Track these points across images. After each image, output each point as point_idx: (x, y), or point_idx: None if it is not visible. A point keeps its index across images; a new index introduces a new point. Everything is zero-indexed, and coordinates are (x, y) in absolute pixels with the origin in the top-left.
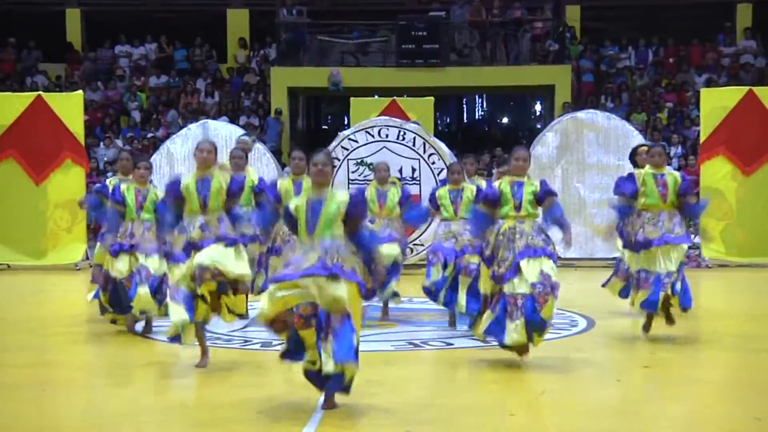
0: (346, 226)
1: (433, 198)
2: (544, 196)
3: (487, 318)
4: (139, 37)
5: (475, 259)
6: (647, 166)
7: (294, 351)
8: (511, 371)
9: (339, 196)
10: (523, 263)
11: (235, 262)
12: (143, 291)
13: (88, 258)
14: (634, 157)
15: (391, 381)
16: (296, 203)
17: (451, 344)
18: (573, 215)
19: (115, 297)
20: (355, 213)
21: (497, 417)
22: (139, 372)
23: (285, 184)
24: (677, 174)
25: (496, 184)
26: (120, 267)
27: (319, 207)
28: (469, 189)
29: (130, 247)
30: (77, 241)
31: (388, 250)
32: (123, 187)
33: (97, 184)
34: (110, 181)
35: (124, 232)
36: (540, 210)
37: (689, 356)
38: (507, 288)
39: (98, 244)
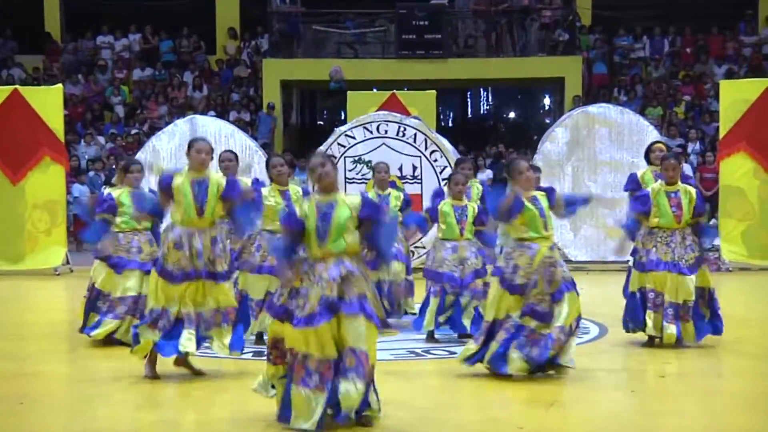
0: (360, 231)
1: (434, 211)
2: (552, 200)
3: (492, 348)
4: (123, 27)
5: (480, 281)
6: (659, 182)
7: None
8: (518, 382)
9: (350, 199)
10: (562, 299)
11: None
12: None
13: (68, 262)
14: (648, 154)
15: (392, 393)
16: (304, 208)
17: (454, 353)
18: (584, 216)
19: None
20: (369, 216)
21: (505, 431)
22: (123, 384)
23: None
24: (692, 190)
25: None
26: (130, 284)
27: (330, 213)
28: (472, 207)
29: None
30: (57, 245)
31: (397, 267)
32: (116, 193)
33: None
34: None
35: (126, 244)
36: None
37: (709, 365)
38: (531, 323)
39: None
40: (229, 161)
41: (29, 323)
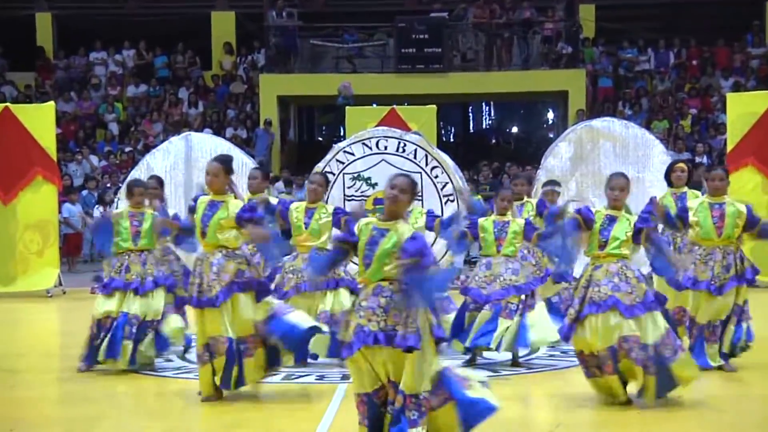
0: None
1: (474, 227)
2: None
3: None
4: (116, 43)
5: (515, 300)
6: (705, 195)
7: None
8: (521, 401)
9: (401, 229)
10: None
11: None
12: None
13: (61, 284)
14: (669, 175)
15: None
16: (360, 228)
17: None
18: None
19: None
20: (410, 254)
21: None
22: (118, 410)
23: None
24: (741, 206)
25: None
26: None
27: (380, 240)
28: (516, 223)
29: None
30: (49, 266)
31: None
32: (114, 216)
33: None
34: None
35: (119, 265)
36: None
37: (733, 390)
38: None
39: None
40: (254, 179)
41: (21, 347)
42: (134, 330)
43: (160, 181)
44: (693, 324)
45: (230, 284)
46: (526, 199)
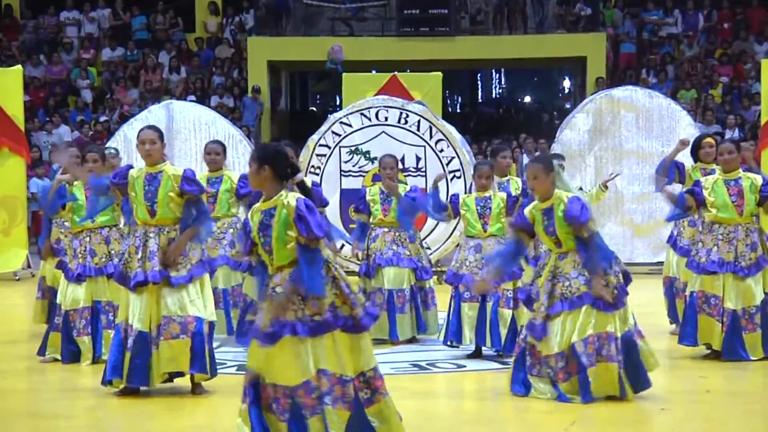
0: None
1: (455, 203)
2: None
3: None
4: (90, 1)
5: (509, 287)
6: (717, 171)
7: None
8: (534, 399)
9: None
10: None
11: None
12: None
13: (29, 266)
14: (697, 151)
15: None
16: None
17: (463, 366)
18: (608, 213)
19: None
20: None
21: None
22: (91, 399)
23: None
24: (755, 176)
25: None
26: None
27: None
28: (499, 197)
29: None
30: (17, 246)
31: (395, 275)
32: (68, 186)
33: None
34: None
35: (82, 249)
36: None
37: (752, 381)
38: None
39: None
40: (216, 154)
41: None
42: (112, 318)
43: (222, 147)
44: (724, 312)
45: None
46: (509, 176)
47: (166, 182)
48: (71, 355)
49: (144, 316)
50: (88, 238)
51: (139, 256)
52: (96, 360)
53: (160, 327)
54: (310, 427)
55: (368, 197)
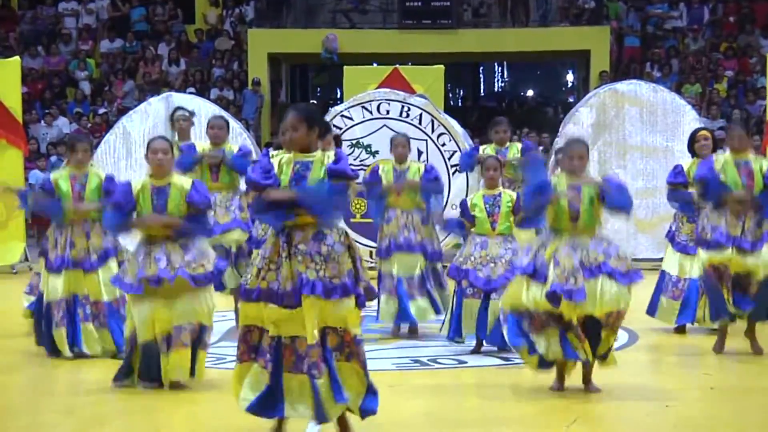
0: None
1: (465, 208)
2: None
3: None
4: None
5: None
6: (727, 152)
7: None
8: (536, 395)
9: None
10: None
11: None
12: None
13: (27, 259)
14: (692, 144)
15: (395, 412)
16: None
17: (464, 362)
18: None
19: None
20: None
21: None
22: (91, 395)
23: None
24: (765, 160)
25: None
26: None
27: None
28: (508, 195)
29: (73, 264)
30: (14, 239)
31: (406, 261)
32: (54, 175)
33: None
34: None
35: (63, 240)
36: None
37: (757, 374)
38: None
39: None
40: (219, 128)
41: None
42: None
43: (226, 122)
44: (726, 278)
45: None
46: (509, 143)
47: (174, 196)
48: (53, 346)
49: (149, 323)
50: (70, 230)
51: (141, 259)
52: (76, 354)
53: (171, 337)
54: (320, 387)
55: (381, 172)
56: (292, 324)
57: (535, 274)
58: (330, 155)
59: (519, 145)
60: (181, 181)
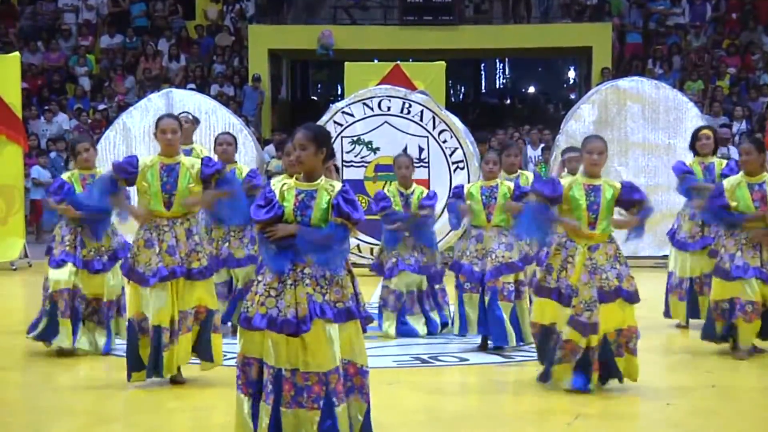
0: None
1: (461, 195)
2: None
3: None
4: None
5: (510, 279)
6: (740, 174)
7: None
8: (537, 393)
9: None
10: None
11: None
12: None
13: (26, 255)
14: (694, 143)
15: (397, 410)
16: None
17: (466, 360)
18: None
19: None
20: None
21: None
22: (93, 392)
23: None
24: None
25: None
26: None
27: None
28: (505, 186)
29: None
30: (13, 236)
31: (410, 281)
32: (65, 176)
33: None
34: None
35: (72, 239)
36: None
37: (765, 379)
38: None
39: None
40: (228, 145)
41: None
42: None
43: (233, 138)
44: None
45: None
46: (519, 171)
47: (184, 174)
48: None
49: (163, 310)
50: (80, 229)
51: (156, 250)
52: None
53: (179, 321)
54: (338, 416)
55: (389, 195)
56: (293, 352)
57: (561, 298)
58: (335, 186)
59: (530, 176)
60: (192, 160)
